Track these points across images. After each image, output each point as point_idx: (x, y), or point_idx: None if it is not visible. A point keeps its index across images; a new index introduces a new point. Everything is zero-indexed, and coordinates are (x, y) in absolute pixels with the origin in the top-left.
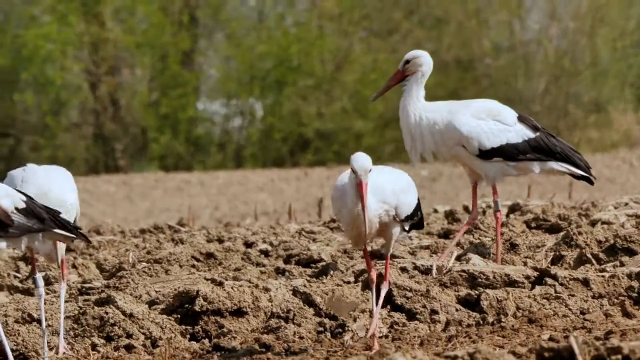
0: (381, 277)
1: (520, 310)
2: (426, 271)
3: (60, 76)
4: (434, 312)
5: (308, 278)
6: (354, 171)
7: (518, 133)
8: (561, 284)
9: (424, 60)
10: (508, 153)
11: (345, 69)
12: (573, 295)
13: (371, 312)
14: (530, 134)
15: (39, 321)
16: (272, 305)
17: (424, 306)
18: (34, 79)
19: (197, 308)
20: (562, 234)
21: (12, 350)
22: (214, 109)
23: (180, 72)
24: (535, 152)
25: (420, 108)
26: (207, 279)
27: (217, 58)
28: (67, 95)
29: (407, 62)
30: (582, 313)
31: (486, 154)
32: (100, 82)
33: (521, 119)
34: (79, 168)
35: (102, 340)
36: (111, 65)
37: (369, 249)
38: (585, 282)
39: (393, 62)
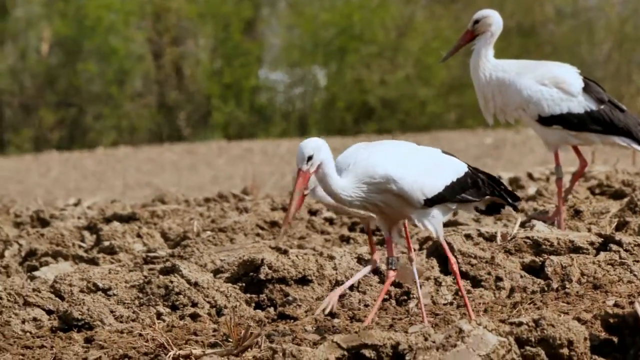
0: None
1: (585, 277)
2: (491, 238)
3: (124, 46)
4: (498, 279)
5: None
6: None
7: (580, 104)
8: (626, 250)
9: (493, 20)
10: (568, 122)
11: (408, 37)
12: (638, 261)
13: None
14: (592, 107)
15: (103, 290)
16: (336, 273)
17: (489, 273)
18: (97, 49)
19: (262, 276)
20: (626, 200)
21: (77, 320)
22: (276, 78)
23: (242, 41)
24: (596, 124)
25: (490, 68)
26: (271, 248)
27: (280, 27)
28: (130, 64)
29: (477, 21)
30: None
31: (545, 121)
32: (163, 52)
33: (587, 89)
34: (143, 137)
35: (167, 309)
36: (174, 35)
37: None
38: None
39: (456, 29)
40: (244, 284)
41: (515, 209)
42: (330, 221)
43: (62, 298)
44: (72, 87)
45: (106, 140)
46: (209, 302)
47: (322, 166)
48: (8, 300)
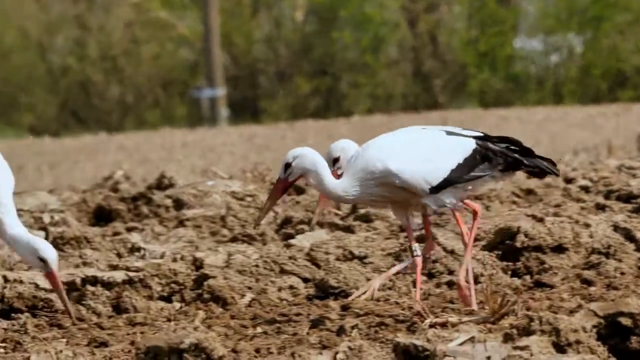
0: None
1: None
2: None
3: (379, 13)
4: None
5: (628, 213)
6: None
7: None
8: None
9: None
10: None
11: None
12: None
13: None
14: None
15: (359, 258)
16: (592, 241)
17: None
18: (352, 17)
19: (518, 244)
20: None
21: (333, 288)
22: (532, 46)
23: (497, 9)
24: None
25: None
26: (527, 215)
27: None
28: (385, 32)
29: None
30: None
31: None
32: (418, 19)
33: None
34: (398, 105)
35: (424, 277)
36: (429, 2)
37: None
38: None
39: None
40: (500, 252)
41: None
42: (586, 189)
43: (318, 266)
44: (327, 55)
45: (361, 108)
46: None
47: (310, 176)
48: (264, 268)
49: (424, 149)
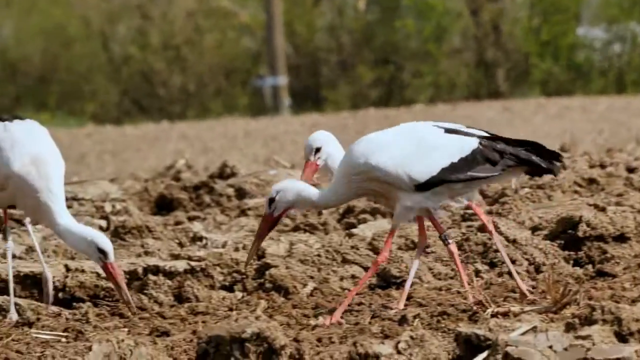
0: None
1: None
2: None
3: (441, 3)
4: None
5: None
6: None
7: None
8: None
9: None
10: None
11: None
12: None
13: None
14: None
15: None
16: None
17: None
18: (415, 5)
19: (580, 234)
20: None
21: (395, 277)
22: (594, 35)
23: None
24: None
25: None
26: (589, 205)
27: None
28: (448, 21)
29: None
30: None
31: None
32: (481, 9)
33: None
34: (461, 94)
35: (486, 267)
36: None
37: None
38: None
39: None
40: (562, 241)
41: (551, 172)
42: None
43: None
44: (390, 44)
45: (424, 97)
46: (527, 259)
47: (297, 205)
48: (326, 258)
49: (411, 145)
